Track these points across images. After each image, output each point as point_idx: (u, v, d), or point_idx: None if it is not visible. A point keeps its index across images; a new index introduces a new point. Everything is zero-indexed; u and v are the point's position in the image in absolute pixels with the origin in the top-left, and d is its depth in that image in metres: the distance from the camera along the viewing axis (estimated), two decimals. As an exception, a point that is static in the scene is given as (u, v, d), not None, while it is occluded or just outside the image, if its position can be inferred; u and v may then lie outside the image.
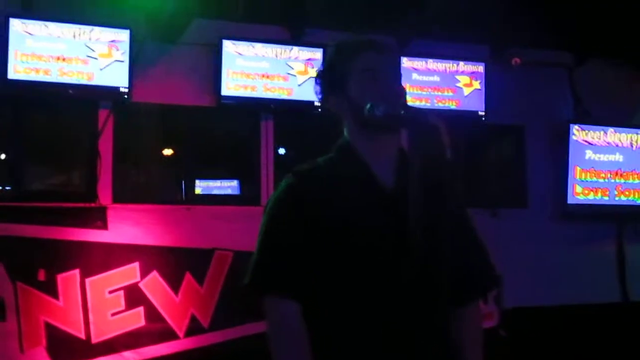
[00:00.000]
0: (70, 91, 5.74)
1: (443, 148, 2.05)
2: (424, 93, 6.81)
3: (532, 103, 7.32)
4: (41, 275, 5.53)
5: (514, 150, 7.45)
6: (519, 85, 7.22)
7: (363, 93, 2.11)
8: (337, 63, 2.20)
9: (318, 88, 2.26)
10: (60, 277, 5.57)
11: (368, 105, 2.09)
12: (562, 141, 7.28)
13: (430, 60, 6.85)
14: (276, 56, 6.36)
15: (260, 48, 6.32)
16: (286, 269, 2.04)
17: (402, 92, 2.16)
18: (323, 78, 2.24)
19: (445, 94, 6.91)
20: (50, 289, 5.54)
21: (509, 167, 7.47)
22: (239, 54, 6.24)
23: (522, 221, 7.11)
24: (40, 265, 5.54)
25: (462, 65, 6.99)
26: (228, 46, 6.22)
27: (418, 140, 2.08)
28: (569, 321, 6.98)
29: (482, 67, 7.05)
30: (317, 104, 6.37)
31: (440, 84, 6.90)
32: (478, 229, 2.35)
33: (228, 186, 6.51)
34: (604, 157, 7.39)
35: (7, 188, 5.86)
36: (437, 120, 2.05)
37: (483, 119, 7.00)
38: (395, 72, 2.20)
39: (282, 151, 6.68)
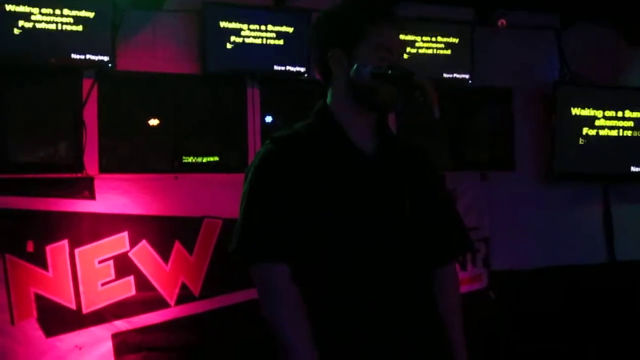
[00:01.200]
0: (53, 60, 5.68)
1: (430, 107, 2.04)
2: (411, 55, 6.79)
3: (519, 66, 7.31)
4: (30, 247, 5.51)
5: (501, 113, 7.45)
6: (505, 48, 7.21)
7: (372, 67, 2.07)
8: (352, 21, 2.12)
9: (319, 36, 2.20)
10: (49, 248, 5.55)
11: (355, 66, 2.08)
12: (549, 104, 7.29)
13: (415, 22, 6.80)
14: (261, 23, 6.31)
15: (244, 15, 6.27)
16: (272, 232, 2.04)
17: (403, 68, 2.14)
18: (329, 28, 2.18)
19: (432, 56, 6.89)
20: (40, 260, 5.52)
21: (496, 130, 7.47)
22: (224, 20, 6.19)
23: (510, 184, 7.14)
24: (29, 236, 5.51)
25: (448, 28, 6.95)
26: (212, 12, 6.17)
27: (404, 101, 2.09)
28: (557, 283, 7.05)
29: (467, 30, 7.01)
30: (301, 70, 6.36)
31: (425, 47, 6.87)
32: (468, 193, 2.39)
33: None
34: (589, 120, 7.42)
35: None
36: (425, 80, 2.04)
37: (469, 82, 6.99)
38: (402, 51, 2.19)
39: (269, 119, 6.65)
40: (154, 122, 6.40)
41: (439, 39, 6.92)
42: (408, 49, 6.76)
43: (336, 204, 2.04)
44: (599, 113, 7.42)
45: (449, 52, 6.94)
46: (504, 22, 6.97)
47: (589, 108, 7.39)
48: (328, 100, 2.20)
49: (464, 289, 5.54)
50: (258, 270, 2.05)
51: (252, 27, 6.28)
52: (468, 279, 6.58)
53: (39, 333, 5.51)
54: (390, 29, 2.12)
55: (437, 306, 2.18)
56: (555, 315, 6.84)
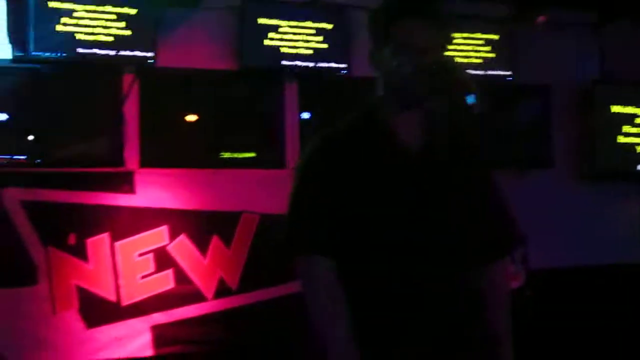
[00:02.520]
0: (95, 56, 5.76)
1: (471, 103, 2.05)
2: (451, 53, 6.76)
3: (558, 63, 7.24)
4: (71, 240, 5.62)
5: (540, 110, 7.38)
6: (544, 45, 7.15)
7: (396, 65, 2.09)
8: (379, 20, 2.15)
9: (369, 37, 2.23)
10: (90, 241, 5.66)
11: (395, 62, 2.09)
12: (588, 101, 7.21)
13: (454, 19, 6.77)
14: (299, 19, 6.34)
15: (283, 11, 6.30)
16: (320, 227, 2.08)
17: (436, 64, 2.09)
18: (370, 31, 2.21)
19: (472, 53, 6.86)
20: (81, 252, 5.63)
21: (535, 128, 7.41)
22: (262, 17, 6.23)
23: (549, 182, 7.08)
24: (71, 229, 5.62)
25: (487, 25, 6.92)
26: (251, 9, 6.21)
27: (447, 95, 2.09)
28: (596, 282, 6.98)
29: (507, 26, 6.97)
30: (339, 66, 6.38)
31: (466, 43, 6.85)
32: (505, 190, 2.36)
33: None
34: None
35: (36, 155, 5.91)
36: (467, 75, 2.05)
37: (508, 79, 6.94)
38: (434, 41, 2.10)
39: (306, 115, 6.68)
40: (192, 117, 6.47)
41: (479, 35, 6.89)
42: (448, 46, 6.73)
43: (380, 200, 2.06)
44: (639, 111, 7.33)
45: (489, 48, 6.91)
46: (544, 18, 6.92)
47: (628, 105, 7.30)
48: (378, 95, 2.23)
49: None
50: (302, 261, 2.08)
51: (290, 23, 6.30)
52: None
53: (80, 324, 5.62)
54: (414, 25, 2.09)
55: (482, 303, 2.18)
56: (593, 315, 6.77)
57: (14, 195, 5.53)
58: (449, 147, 2.16)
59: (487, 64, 6.88)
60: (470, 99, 2.03)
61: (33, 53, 5.58)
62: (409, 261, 2.02)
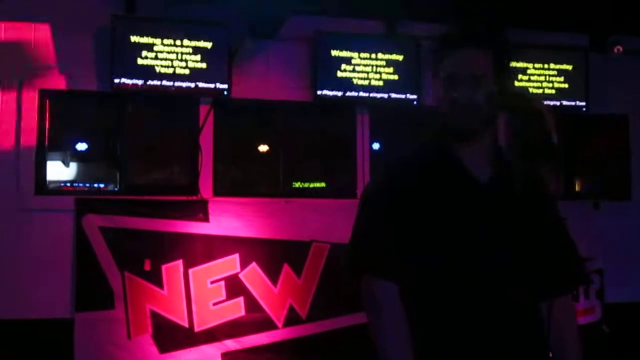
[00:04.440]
0: (173, 88, 5.95)
1: (549, 133, 2.04)
2: (523, 83, 6.71)
3: (636, 92, 7.08)
4: (147, 266, 5.77)
5: (617, 141, 7.22)
6: (621, 74, 7.01)
7: (443, 102, 2.10)
8: (433, 66, 2.17)
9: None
10: (165, 267, 5.80)
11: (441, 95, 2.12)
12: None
13: (528, 51, 6.73)
14: (371, 51, 6.41)
15: (355, 43, 6.39)
16: (384, 251, 2.08)
17: (479, 102, 2.06)
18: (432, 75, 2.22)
19: (545, 84, 6.78)
20: (156, 278, 5.78)
21: (612, 158, 7.24)
22: (335, 49, 6.33)
23: (626, 214, 6.90)
24: (146, 255, 5.78)
25: (561, 54, 6.84)
26: (324, 41, 6.32)
27: (521, 126, 2.08)
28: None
29: (582, 56, 6.88)
30: (410, 97, 6.41)
31: (539, 74, 6.78)
32: (580, 222, 2.32)
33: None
34: None
35: (115, 183, 6.11)
36: (542, 104, 2.04)
37: (584, 109, 6.83)
38: (483, 77, 2.06)
39: (376, 146, 6.71)
40: (265, 147, 6.58)
41: (552, 65, 6.81)
42: (520, 77, 6.68)
43: (445, 228, 2.07)
44: None
45: (562, 79, 6.81)
46: (620, 48, 6.78)
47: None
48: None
49: (575, 321, 5.38)
50: (365, 285, 2.10)
51: (362, 55, 6.37)
52: (581, 312, 6.38)
53: (153, 349, 5.74)
54: (453, 56, 2.09)
55: (545, 339, 2.15)
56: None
57: (93, 222, 5.72)
58: (516, 180, 2.14)
59: (561, 94, 6.78)
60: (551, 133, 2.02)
61: (115, 84, 5.81)
62: (475, 291, 2.01)
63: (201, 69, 5.99)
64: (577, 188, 6.91)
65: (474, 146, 2.15)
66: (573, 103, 6.82)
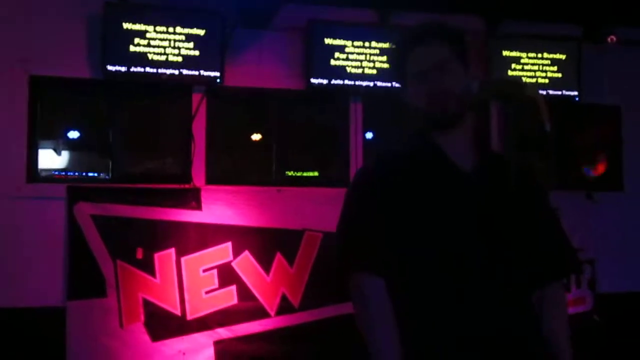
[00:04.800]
0: (165, 76, 5.92)
1: (542, 121, 2.04)
2: (517, 72, 6.71)
3: (629, 83, 7.09)
4: (139, 254, 5.75)
5: (610, 131, 7.24)
6: (614, 65, 7.02)
7: (417, 97, 2.16)
8: (398, 64, 2.24)
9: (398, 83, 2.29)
10: (157, 256, 5.78)
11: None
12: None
13: (521, 40, 6.73)
14: (364, 40, 6.40)
15: (348, 32, 6.37)
16: (370, 246, 2.10)
17: (452, 88, 2.12)
18: (395, 75, 2.28)
19: (538, 73, 6.78)
20: (148, 267, 5.76)
21: (604, 149, 7.26)
22: (328, 37, 6.31)
23: (618, 204, 6.92)
24: (138, 244, 5.76)
25: (554, 45, 6.84)
26: (317, 30, 6.30)
27: (514, 114, 2.08)
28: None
29: (575, 46, 6.88)
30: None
31: (532, 63, 6.78)
32: (572, 212, 2.33)
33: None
34: None
35: (107, 171, 6.10)
36: (536, 92, 2.04)
37: (577, 99, 6.84)
38: (447, 64, 2.13)
39: (370, 135, 6.71)
40: (258, 136, 6.57)
41: (545, 55, 6.81)
42: (514, 66, 6.68)
43: (429, 219, 2.07)
44: None
45: (555, 68, 6.82)
46: (614, 38, 6.79)
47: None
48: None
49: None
50: (353, 280, 2.11)
51: (356, 43, 6.36)
52: (572, 301, 6.41)
53: (145, 337, 5.74)
54: (420, 50, 2.16)
55: (540, 324, 2.15)
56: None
57: (85, 210, 5.70)
58: (501, 168, 2.14)
59: (554, 83, 6.79)
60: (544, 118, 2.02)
61: (106, 72, 5.78)
62: (463, 279, 2.01)
63: (194, 56, 5.96)
64: (569, 178, 6.90)
65: (455, 133, 2.16)
66: (566, 93, 6.82)
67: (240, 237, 5.96)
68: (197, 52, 5.97)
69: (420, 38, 2.18)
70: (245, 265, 5.95)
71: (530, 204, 2.17)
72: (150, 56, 5.87)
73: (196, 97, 6.19)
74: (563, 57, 6.84)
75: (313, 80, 6.26)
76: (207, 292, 5.87)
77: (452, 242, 2.06)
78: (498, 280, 2.06)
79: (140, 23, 5.86)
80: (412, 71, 2.16)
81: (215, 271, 5.90)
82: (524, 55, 6.75)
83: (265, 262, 6.00)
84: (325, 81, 6.29)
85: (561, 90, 6.80)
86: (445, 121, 2.13)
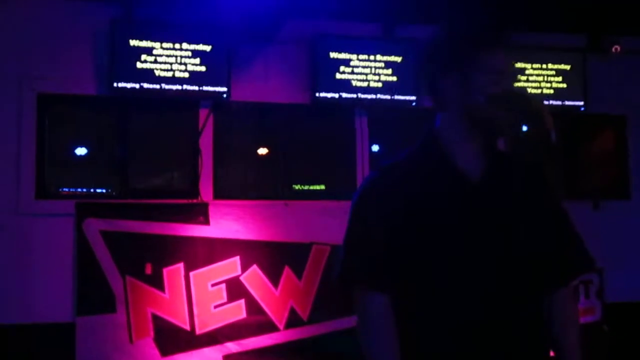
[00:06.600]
0: (172, 92, 5.96)
1: (547, 131, 2.03)
2: (522, 84, 6.73)
3: (634, 92, 7.10)
4: (148, 269, 5.77)
5: (616, 141, 7.24)
6: (619, 74, 7.02)
7: (484, 93, 2.06)
8: (465, 46, 2.11)
9: (431, 63, 2.18)
10: (166, 271, 5.80)
11: (471, 92, 2.09)
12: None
13: (526, 50, 6.75)
14: (370, 53, 6.43)
15: (354, 45, 6.40)
16: (373, 263, 2.06)
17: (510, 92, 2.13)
18: (441, 54, 2.15)
19: (543, 84, 6.80)
20: (157, 282, 5.78)
21: (610, 159, 7.26)
22: (334, 51, 6.34)
23: (625, 213, 6.91)
24: (147, 259, 5.78)
25: (559, 55, 6.85)
26: (323, 43, 6.34)
27: (520, 124, 2.07)
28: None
29: (579, 57, 6.89)
30: (409, 99, 6.41)
31: (537, 74, 6.80)
32: (579, 222, 2.30)
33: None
34: None
35: (115, 187, 6.12)
36: (541, 104, 2.04)
37: (582, 109, 6.85)
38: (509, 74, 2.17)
39: (376, 148, 6.72)
40: (265, 150, 6.59)
41: (550, 66, 6.83)
42: (518, 77, 6.70)
43: (435, 230, 2.04)
44: None
45: (560, 79, 6.83)
46: (618, 48, 6.80)
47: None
48: (437, 125, 2.19)
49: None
50: (356, 297, 2.09)
51: (361, 57, 6.39)
52: (581, 311, 6.38)
53: (155, 352, 5.75)
54: (501, 52, 2.10)
55: (545, 336, 2.13)
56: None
57: (94, 226, 5.73)
58: (510, 171, 2.12)
59: (559, 94, 6.80)
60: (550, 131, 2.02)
61: (114, 89, 5.82)
62: (471, 290, 2.00)
63: (200, 72, 6.00)
64: (576, 188, 6.90)
65: (469, 144, 2.13)
66: (571, 103, 6.83)
67: (248, 251, 5.98)
68: (203, 68, 6.01)
69: (500, 40, 2.13)
70: (254, 279, 5.96)
71: (539, 204, 2.15)
72: (157, 72, 5.91)
73: (203, 113, 6.22)
74: (568, 67, 6.86)
75: (318, 94, 6.29)
76: (215, 307, 5.88)
77: (460, 256, 2.04)
78: (508, 294, 2.04)
79: (147, 40, 5.91)
80: (494, 69, 2.07)
81: (223, 285, 5.91)
82: (528, 66, 6.77)
83: (274, 276, 6.01)
84: (330, 95, 6.32)
85: (567, 100, 6.82)
86: (494, 129, 2.10)
